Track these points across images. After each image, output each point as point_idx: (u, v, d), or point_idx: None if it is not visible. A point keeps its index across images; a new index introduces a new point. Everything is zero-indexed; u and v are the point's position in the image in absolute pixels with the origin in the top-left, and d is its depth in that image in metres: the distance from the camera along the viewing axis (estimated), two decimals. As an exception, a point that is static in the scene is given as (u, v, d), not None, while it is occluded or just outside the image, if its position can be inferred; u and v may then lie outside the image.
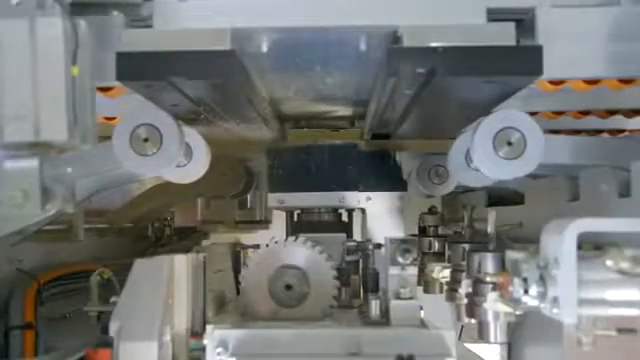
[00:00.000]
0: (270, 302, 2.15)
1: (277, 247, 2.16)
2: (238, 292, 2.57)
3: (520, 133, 1.70)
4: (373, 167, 3.09)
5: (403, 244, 2.13)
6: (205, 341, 1.96)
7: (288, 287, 2.15)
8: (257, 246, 2.25)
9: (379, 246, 2.52)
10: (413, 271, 2.11)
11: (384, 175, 3.08)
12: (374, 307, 2.12)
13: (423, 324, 2.02)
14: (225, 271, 2.85)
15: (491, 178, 1.82)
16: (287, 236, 2.29)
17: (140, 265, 2.13)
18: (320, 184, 3.05)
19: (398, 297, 2.07)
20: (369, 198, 3.03)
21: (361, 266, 2.68)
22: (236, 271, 2.97)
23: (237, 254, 3.24)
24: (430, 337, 1.92)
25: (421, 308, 2.09)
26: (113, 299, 2.18)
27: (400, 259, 2.10)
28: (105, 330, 1.99)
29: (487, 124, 1.73)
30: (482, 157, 1.72)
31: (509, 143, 1.70)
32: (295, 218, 3.23)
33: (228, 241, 3.55)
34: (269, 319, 2.11)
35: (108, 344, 1.94)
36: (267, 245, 2.16)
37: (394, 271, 2.10)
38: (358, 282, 2.63)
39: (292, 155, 3.05)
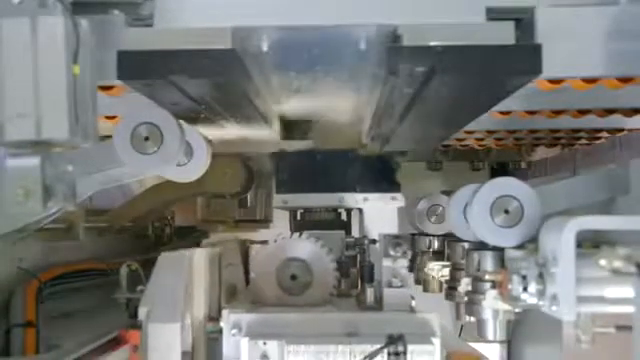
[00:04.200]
0: (278, 290, 2.33)
1: (284, 242, 2.35)
2: (247, 284, 2.84)
3: (517, 201, 1.71)
4: (370, 170, 3.30)
5: (394, 239, 2.28)
6: (222, 324, 2.14)
7: (293, 277, 2.33)
8: (266, 242, 2.47)
9: (374, 242, 2.69)
10: (404, 263, 2.26)
11: (380, 178, 3.29)
12: (369, 294, 2.31)
13: (412, 309, 2.20)
14: (235, 265, 3.04)
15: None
16: (292, 233, 2.48)
17: (164, 258, 2.37)
18: (321, 186, 3.26)
19: (390, 286, 2.23)
20: (366, 199, 3.24)
21: (358, 259, 2.82)
22: (245, 265, 3.18)
23: (246, 250, 3.40)
24: (418, 320, 2.09)
25: (413, 298, 2.25)
26: (139, 288, 2.41)
27: (392, 252, 2.25)
28: (134, 314, 2.24)
29: (484, 192, 1.74)
30: (479, 225, 1.74)
31: (506, 211, 1.72)
32: (298, 217, 3.46)
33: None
34: (277, 305, 2.29)
35: (137, 326, 2.18)
36: (275, 240, 2.37)
37: (387, 263, 2.25)
38: (356, 274, 2.80)
39: (295, 159, 3.25)
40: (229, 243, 3.20)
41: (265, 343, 2.00)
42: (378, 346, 1.94)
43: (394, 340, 1.95)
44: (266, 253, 2.35)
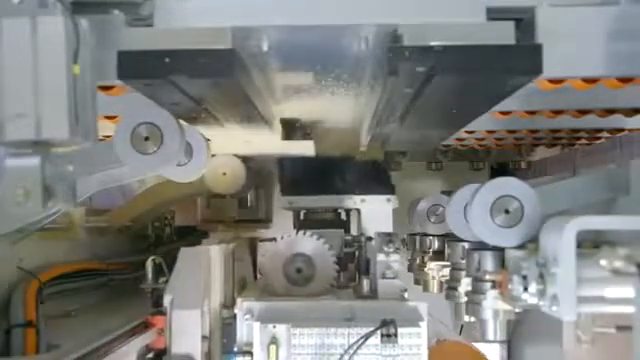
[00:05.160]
0: (284, 281, 2.65)
1: (290, 239, 2.67)
2: (255, 277, 3.34)
3: (517, 201, 1.72)
4: (367, 175, 3.72)
5: (387, 236, 2.59)
6: (236, 310, 2.44)
7: (299, 270, 2.66)
8: (274, 239, 2.77)
9: (370, 239, 2.95)
10: (396, 257, 2.55)
11: (376, 181, 3.72)
12: (365, 285, 2.60)
13: (403, 298, 2.48)
14: (245, 260, 3.44)
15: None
16: (297, 231, 2.76)
17: (185, 253, 2.77)
18: (323, 188, 3.67)
19: (384, 277, 2.53)
20: (363, 200, 3.62)
21: (356, 255, 3.13)
22: (253, 260, 3.62)
23: (254, 246, 3.81)
24: (408, 307, 2.37)
25: (405, 290, 2.53)
26: (162, 279, 2.78)
27: (385, 248, 2.55)
28: (158, 302, 2.64)
29: (484, 192, 1.75)
30: (479, 225, 1.74)
31: (506, 211, 1.72)
32: (302, 216, 3.83)
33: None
34: (284, 294, 2.59)
35: (162, 312, 2.57)
36: (282, 238, 2.68)
37: (381, 257, 2.55)
38: (354, 268, 3.12)
39: (299, 164, 3.64)
40: (240, 241, 3.54)
41: (274, 327, 2.28)
42: (372, 329, 2.21)
43: (386, 324, 2.22)
44: (274, 249, 2.67)
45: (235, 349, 2.40)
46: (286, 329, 2.27)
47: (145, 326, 2.55)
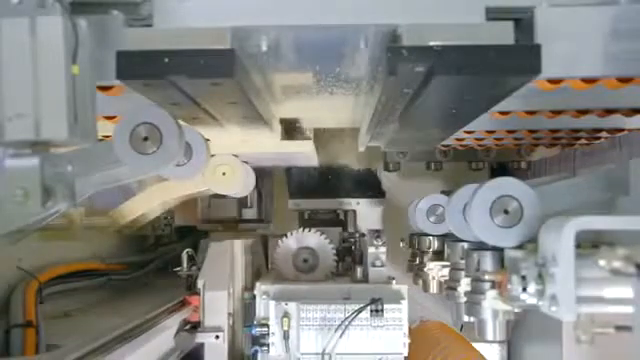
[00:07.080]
0: (293, 269, 3.31)
1: (298, 235, 3.36)
2: (267, 268, 4.15)
3: (517, 201, 1.72)
4: (361, 182, 4.52)
5: (376, 232, 3.19)
6: (255, 292, 3.09)
7: (305, 260, 3.32)
8: (285, 235, 3.39)
9: (363, 235, 3.52)
10: (383, 250, 3.15)
11: (369, 187, 4.54)
12: (359, 272, 3.21)
13: (389, 282, 3.08)
14: (259, 254, 4.18)
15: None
16: (303, 229, 3.37)
17: (214, 246, 3.47)
18: (325, 193, 4.44)
19: (374, 266, 3.13)
20: (358, 203, 4.46)
21: (352, 248, 3.70)
22: (265, 254, 4.35)
23: (265, 242, 4.47)
24: (392, 289, 3.01)
25: (393, 279, 3.11)
26: (194, 267, 3.43)
27: (375, 242, 3.15)
28: (192, 285, 3.34)
29: (484, 192, 1.75)
30: (478, 225, 1.74)
31: (506, 211, 1.72)
32: (306, 216, 4.59)
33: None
34: (293, 280, 3.26)
35: (197, 293, 3.24)
36: (291, 234, 3.36)
37: (371, 250, 3.15)
38: (350, 259, 3.66)
39: (304, 172, 4.42)
40: (256, 238, 4.23)
41: (286, 304, 2.94)
42: (363, 305, 2.85)
43: (375, 301, 2.85)
44: (285, 244, 3.34)
45: (254, 322, 3.02)
46: (296, 306, 2.91)
47: (183, 304, 3.19)
